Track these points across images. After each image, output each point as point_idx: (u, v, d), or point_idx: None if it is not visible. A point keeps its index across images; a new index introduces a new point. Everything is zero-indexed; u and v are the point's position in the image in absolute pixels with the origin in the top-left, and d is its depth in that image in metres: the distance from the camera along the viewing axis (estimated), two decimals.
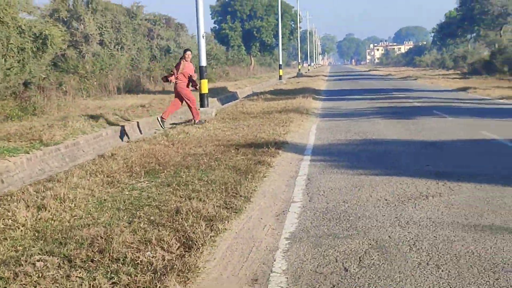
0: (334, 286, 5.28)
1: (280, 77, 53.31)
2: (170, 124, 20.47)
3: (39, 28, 24.98)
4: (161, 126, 18.41)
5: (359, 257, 5.96)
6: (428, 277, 5.35)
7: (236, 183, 9.24)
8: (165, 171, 10.47)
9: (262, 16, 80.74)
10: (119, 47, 47.31)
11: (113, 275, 5.50)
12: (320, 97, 32.89)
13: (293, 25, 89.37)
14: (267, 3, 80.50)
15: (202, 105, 20.83)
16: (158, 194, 8.66)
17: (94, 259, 5.90)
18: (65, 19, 41.52)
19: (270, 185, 9.51)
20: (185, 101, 18.95)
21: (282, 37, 71.08)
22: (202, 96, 20.99)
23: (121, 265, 5.70)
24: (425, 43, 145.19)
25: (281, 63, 58.11)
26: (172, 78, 18.73)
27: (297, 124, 18.32)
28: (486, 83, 40.47)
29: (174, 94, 19.79)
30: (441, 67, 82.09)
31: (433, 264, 5.68)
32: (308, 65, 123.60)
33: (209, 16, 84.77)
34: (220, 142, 14.09)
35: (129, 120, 20.15)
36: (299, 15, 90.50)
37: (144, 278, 5.37)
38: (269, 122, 18.55)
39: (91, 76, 33.22)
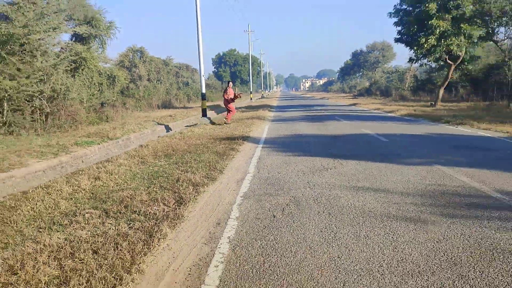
0: (265, 227, 4.83)
1: (251, 98, 52.72)
2: (185, 126, 19.88)
3: (111, 71, 25.95)
4: (226, 123, 18.55)
5: (283, 208, 5.50)
6: (323, 221, 4.92)
7: (215, 162, 8.73)
8: (176, 154, 9.91)
9: (241, 64, 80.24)
10: (159, 82, 47.47)
11: (130, 222, 5.01)
12: (273, 109, 32.28)
13: (259, 69, 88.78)
14: (244, 57, 79.88)
15: (203, 115, 20.23)
16: (169, 169, 8.11)
17: (121, 211, 5.40)
18: (127, 66, 42.35)
19: (236, 163, 8.99)
20: (228, 109, 19.20)
21: (252, 76, 72.11)
22: (203, 110, 20.37)
23: (137, 215, 5.22)
24: (333, 78, 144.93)
25: (251, 90, 57.45)
26: (226, 97, 18.85)
27: (257, 126, 17.80)
28: (367, 101, 40.18)
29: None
30: (342, 92, 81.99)
31: (327, 212, 5.24)
32: (268, 91, 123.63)
33: (211, 64, 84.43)
34: (211, 136, 13.53)
35: (161, 124, 19.54)
36: (262, 64, 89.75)
37: (149, 224, 4.89)
38: (241, 124, 18.00)
39: (142, 99, 34.50)
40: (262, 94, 79.51)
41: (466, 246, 4.05)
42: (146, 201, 5.81)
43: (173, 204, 5.73)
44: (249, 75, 72.89)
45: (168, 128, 19.26)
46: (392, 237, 4.34)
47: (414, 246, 4.09)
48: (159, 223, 4.93)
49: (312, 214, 5.20)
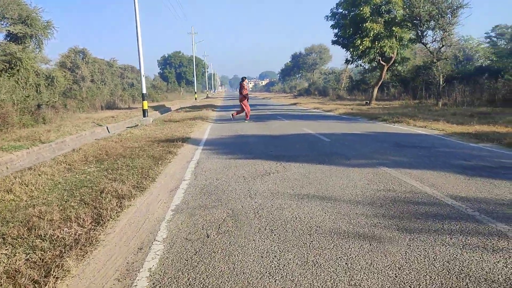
0: (196, 252, 3.80)
1: (196, 98, 51.15)
2: (126, 127, 18.43)
3: (49, 72, 24.53)
4: (246, 120, 18.09)
5: (219, 225, 4.49)
6: (264, 242, 3.95)
7: (149, 168, 7.57)
8: (109, 159, 8.63)
9: (186, 65, 78.17)
10: (103, 83, 45.28)
11: (30, 251, 3.81)
12: (217, 109, 31.16)
13: (203, 70, 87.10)
14: (189, 58, 77.69)
15: (144, 116, 18.82)
16: (97, 177, 6.86)
17: (23, 236, 4.18)
18: (70, 67, 40.11)
19: (172, 168, 7.87)
20: (243, 106, 18.67)
21: (197, 77, 71.39)
22: (144, 111, 18.95)
23: (41, 242, 4.01)
24: (274, 79, 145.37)
25: (196, 91, 55.84)
26: (245, 92, 18.77)
27: (199, 126, 16.67)
28: (306, 101, 39.91)
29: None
30: (283, 92, 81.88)
31: (269, 229, 4.28)
32: (213, 92, 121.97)
33: (156, 65, 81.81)
34: (150, 138, 12.29)
35: (101, 125, 17.95)
36: (206, 65, 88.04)
37: (52, 254, 3.73)
38: (183, 125, 16.82)
39: (85, 100, 32.63)
40: (207, 95, 77.97)
41: (433, 273, 3.21)
42: (56, 220, 4.61)
43: (89, 223, 4.56)
44: (194, 76, 71.25)
45: (107, 130, 17.73)
46: (345, 263, 3.44)
47: (373, 276, 3.21)
48: (64, 252, 3.78)
49: (252, 232, 4.22)
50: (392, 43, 25.04)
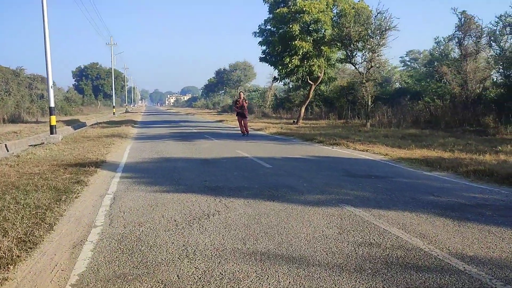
0: None
1: (114, 113, 47.65)
2: (29, 145, 15.81)
3: None
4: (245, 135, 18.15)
5: None
6: None
7: (48, 206, 5.68)
8: None
9: (104, 78, 73.92)
10: (8, 94, 40.82)
11: None
12: (137, 125, 28.77)
13: (123, 83, 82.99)
14: (107, 70, 73.59)
15: (51, 133, 16.32)
16: None
17: None
18: None
19: (79, 207, 6.02)
20: (244, 120, 18.62)
21: (116, 90, 67.59)
22: (51, 127, 16.43)
23: None
24: (197, 95, 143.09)
25: (114, 105, 52.18)
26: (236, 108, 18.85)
27: (117, 146, 14.62)
28: (231, 118, 38.46)
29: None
30: (206, 108, 79.96)
31: None
32: (133, 106, 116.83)
33: (71, 77, 76.53)
34: (56, 162, 10.18)
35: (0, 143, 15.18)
36: (126, 78, 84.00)
37: None
38: (98, 144, 14.66)
39: None
40: (127, 109, 74.16)
41: None
42: None
43: None
44: (112, 89, 67.35)
45: (6, 148, 14.98)
46: None
47: None
48: None
49: None
50: (321, 63, 24.71)
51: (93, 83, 73.99)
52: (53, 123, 16.40)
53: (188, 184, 7.53)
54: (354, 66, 22.16)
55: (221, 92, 77.84)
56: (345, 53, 23.29)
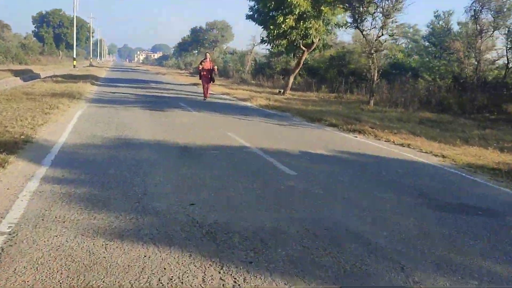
0: None
1: (74, 66, 42.14)
2: None
3: None
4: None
5: None
6: None
7: None
8: None
9: (68, 27, 67.15)
10: None
11: None
12: (98, 83, 24.41)
13: (88, 34, 76.14)
14: (72, 18, 66.80)
15: None
16: None
17: None
18: None
19: None
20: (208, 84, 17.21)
21: (79, 41, 63.20)
22: None
23: None
24: (168, 54, 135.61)
25: (75, 57, 46.44)
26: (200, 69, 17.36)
27: (63, 110, 10.76)
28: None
29: None
30: (177, 68, 74.27)
31: None
32: (99, 60, 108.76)
33: (31, 22, 69.17)
34: None
35: None
36: (92, 29, 76.94)
37: None
38: (38, 106, 10.81)
39: None
40: (91, 62, 67.98)
41: None
42: None
43: None
44: (73, 39, 61.10)
45: None
46: None
47: None
48: None
49: None
50: (319, 25, 21.05)
51: (55, 31, 67.15)
52: None
53: (161, 212, 4.00)
54: (361, 33, 18.65)
55: (195, 52, 72.36)
56: (348, 16, 19.72)
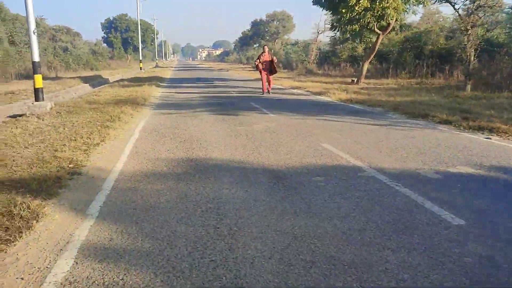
0: None
1: (141, 68, 41.74)
2: (7, 116, 10.72)
3: None
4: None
5: None
6: None
7: None
8: None
9: (134, 30, 67.88)
10: (28, 46, 35.81)
11: None
12: (163, 84, 23.18)
13: (153, 36, 76.89)
14: (136, 22, 67.62)
15: (36, 99, 10.99)
16: None
17: None
18: None
19: None
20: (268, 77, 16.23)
21: (145, 43, 65.00)
22: (36, 91, 11.04)
23: None
24: (229, 49, 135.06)
25: (141, 59, 45.92)
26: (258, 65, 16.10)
27: (124, 122, 9.20)
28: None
29: None
30: (239, 63, 72.88)
31: None
32: (164, 60, 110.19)
33: (100, 29, 70.82)
34: None
35: None
36: (156, 30, 77.63)
37: None
38: (99, 118, 9.42)
39: None
40: (157, 63, 68.48)
41: None
42: None
43: None
44: (143, 43, 61.61)
45: None
46: None
47: None
48: None
49: None
50: (397, 4, 18.23)
51: (122, 36, 68.06)
52: (38, 85, 10.98)
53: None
54: (453, 7, 15.70)
55: (255, 46, 70.26)
56: None
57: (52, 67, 36.60)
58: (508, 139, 7.14)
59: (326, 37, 41.24)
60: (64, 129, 8.22)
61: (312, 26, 75.68)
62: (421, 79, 21.58)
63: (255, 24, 69.84)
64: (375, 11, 18.30)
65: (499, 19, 25.23)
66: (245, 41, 75.35)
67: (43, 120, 9.63)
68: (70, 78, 27.06)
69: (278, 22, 67.22)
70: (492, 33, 20.31)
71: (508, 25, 23.76)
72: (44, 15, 72.51)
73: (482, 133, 7.62)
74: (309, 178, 4.90)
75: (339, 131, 7.97)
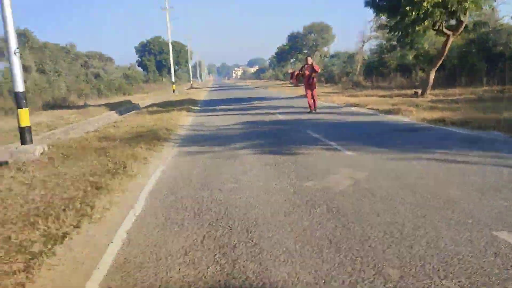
0: None
1: (174, 90, 39.38)
2: None
3: None
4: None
5: None
6: None
7: None
8: None
9: (167, 52, 66.72)
10: (58, 74, 34.09)
11: None
12: (196, 108, 20.19)
13: (187, 57, 75.50)
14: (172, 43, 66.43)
15: (22, 142, 8.12)
16: None
17: None
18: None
19: None
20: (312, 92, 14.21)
21: (179, 65, 64.77)
22: (22, 131, 8.18)
23: None
24: (264, 66, 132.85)
25: (174, 81, 43.47)
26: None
27: (130, 176, 6.11)
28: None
29: None
30: (276, 79, 69.84)
31: None
32: (200, 81, 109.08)
33: (134, 53, 69.84)
34: None
35: None
36: (190, 52, 76.17)
37: None
38: (99, 168, 6.47)
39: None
40: (192, 84, 66.61)
41: None
42: None
43: None
44: (178, 64, 59.98)
45: None
46: None
47: None
48: None
49: None
50: None
51: (156, 58, 66.76)
52: (24, 123, 8.06)
53: None
54: None
55: (292, 60, 66.97)
56: None
57: (83, 94, 34.77)
58: None
59: (370, 47, 37.47)
60: (38, 192, 5.27)
61: (356, 34, 71.86)
62: (502, 87, 17.65)
63: (292, 38, 66.71)
64: (449, 6, 14.70)
65: None
66: (281, 56, 72.29)
67: (23, 172, 6.76)
68: (96, 106, 24.74)
69: (316, 34, 63.76)
70: None
71: None
72: (74, 41, 72.35)
73: None
74: None
75: (496, 190, 4.44)
